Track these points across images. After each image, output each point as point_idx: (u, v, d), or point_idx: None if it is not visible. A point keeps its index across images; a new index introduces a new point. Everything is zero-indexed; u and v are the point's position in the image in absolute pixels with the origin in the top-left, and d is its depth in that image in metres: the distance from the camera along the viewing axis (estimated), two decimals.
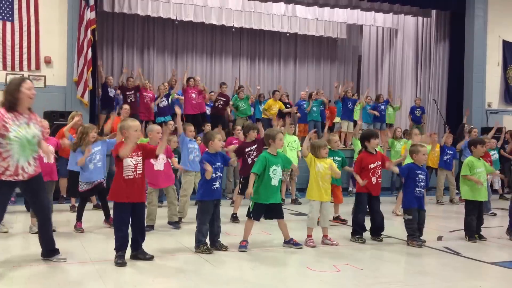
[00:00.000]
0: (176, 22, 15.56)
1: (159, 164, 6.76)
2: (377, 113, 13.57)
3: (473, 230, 6.56)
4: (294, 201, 9.83)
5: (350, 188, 11.25)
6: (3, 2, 10.76)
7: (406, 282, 4.74)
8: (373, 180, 6.34)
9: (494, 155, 10.05)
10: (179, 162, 7.61)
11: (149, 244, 5.35)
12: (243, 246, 5.69)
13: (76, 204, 8.27)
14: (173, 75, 13.09)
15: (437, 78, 15.37)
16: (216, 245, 5.64)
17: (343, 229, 7.17)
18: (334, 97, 14.35)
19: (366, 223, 6.44)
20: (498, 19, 14.42)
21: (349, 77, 18.67)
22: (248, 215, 5.81)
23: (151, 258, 5.12)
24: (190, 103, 11.96)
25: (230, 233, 6.55)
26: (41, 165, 6.27)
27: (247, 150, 7.48)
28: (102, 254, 5.31)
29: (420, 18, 15.99)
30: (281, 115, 12.65)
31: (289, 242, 5.90)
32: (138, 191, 5.01)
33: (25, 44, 10.89)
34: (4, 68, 10.75)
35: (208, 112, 12.53)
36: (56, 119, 9.66)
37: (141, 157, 5.05)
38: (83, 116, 8.83)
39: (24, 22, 10.87)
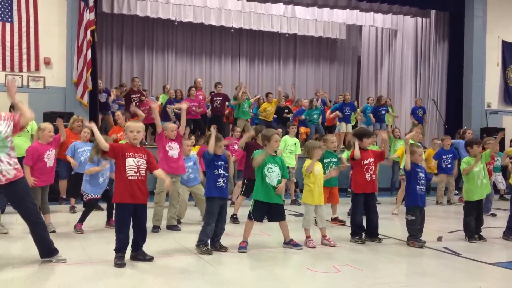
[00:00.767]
0: (176, 23, 15.56)
1: (174, 151, 6.75)
2: (373, 119, 13.63)
3: (472, 231, 6.56)
4: (294, 202, 9.83)
5: (349, 189, 11.23)
6: (2, 3, 10.74)
7: (406, 282, 4.75)
8: (367, 176, 6.37)
9: (497, 161, 10.11)
10: None
11: (149, 245, 5.33)
12: (243, 247, 5.70)
13: (76, 205, 8.29)
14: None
15: (437, 78, 15.36)
16: (216, 246, 5.65)
17: (342, 230, 7.17)
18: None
19: (364, 223, 6.47)
20: (497, 20, 14.40)
21: (349, 77, 18.72)
22: (248, 216, 5.81)
23: (151, 259, 5.12)
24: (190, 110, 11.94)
25: (230, 234, 6.53)
26: (41, 169, 6.30)
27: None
28: (102, 255, 5.30)
29: (419, 19, 15.98)
30: (280, 116, 12.77)
31: (289, 243, 5.91)
32: (140, 193, 5.01)
33: (24, 45, 10.86)
34: (4, 69, 10.72)
35: (208, 112, 12.55)
36: (55, 120, 9.61)
37: (144, 160, 5.06)
38: (83, 116, 8.83)
39: (24, 23, 10.85)
